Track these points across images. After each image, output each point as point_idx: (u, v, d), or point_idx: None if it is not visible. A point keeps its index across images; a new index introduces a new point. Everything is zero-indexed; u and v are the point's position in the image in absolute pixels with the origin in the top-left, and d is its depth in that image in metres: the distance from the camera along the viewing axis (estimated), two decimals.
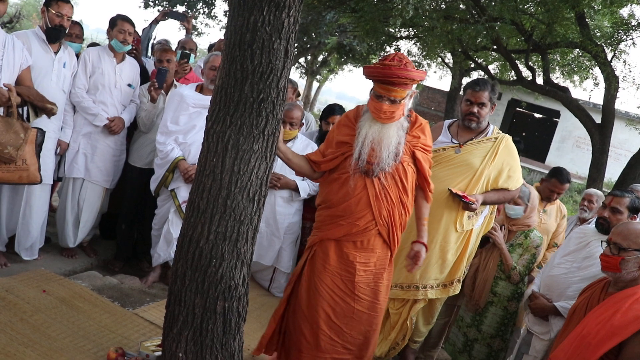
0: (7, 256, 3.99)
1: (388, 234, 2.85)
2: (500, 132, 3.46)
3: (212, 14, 17.36)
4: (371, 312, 2.91)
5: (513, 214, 3.61)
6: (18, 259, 4.02)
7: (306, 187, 4.23)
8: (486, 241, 3.62)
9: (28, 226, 3.95)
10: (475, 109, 3.35)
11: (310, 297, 2.89)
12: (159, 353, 2.82)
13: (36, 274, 3.72)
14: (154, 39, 5.71)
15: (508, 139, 3.41)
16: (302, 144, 4.18)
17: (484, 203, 3.34)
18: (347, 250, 2.84)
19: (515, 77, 9.94)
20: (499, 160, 3.33)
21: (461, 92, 17.41)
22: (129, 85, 4.32)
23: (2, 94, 3.23)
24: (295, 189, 4.20)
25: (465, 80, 17.05)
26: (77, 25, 4.41)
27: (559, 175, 4.41)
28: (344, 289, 2.86)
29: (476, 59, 11.86)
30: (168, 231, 4.05)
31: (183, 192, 3.98)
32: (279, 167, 3.97)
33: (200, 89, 4.11)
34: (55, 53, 3.86)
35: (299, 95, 5.60)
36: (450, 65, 15.92)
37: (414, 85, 2.83)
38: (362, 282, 2.86)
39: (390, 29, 11.28)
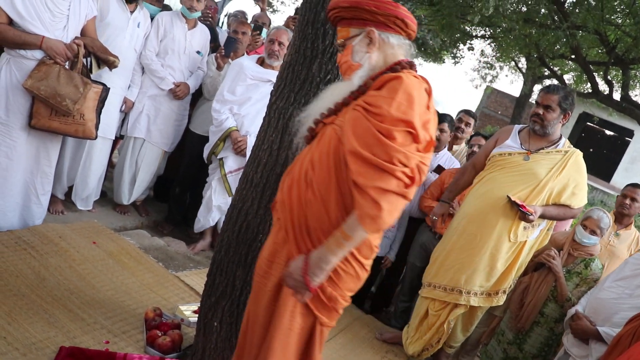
0: (65, 204, 4.13)
1: (280, 214, 1.98)
2: (572, 146, 3.30)
3: None
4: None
5: (587, 243, 3.34)
6: (74, 208, 4.16)
7: None
8: (541, 265, 3.43)
9: (86, 177, 4.07)
10: (541, 111, 3.21)
11: None
12: (194, 319, 2.85)
13: (89, 225, 3.83)
14: (225, 14, 5.79)
15: (579, 154, 3.25)
16: None
17: (542, 216, 3.20)
18: None
19: (590, 90, 9.52)
20: (566, 175, 3.18)
21: (531, 99, 16.91)
22: (198, 52, 4.36)
23: (72, 48, 3.30)
24: None
25: (537, 87, 16.55)
26: None
27: (633, 184, 4.24)
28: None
29: (551, 67, 11.44)
30: (209, 198, 4.10)
31: (230, 162, 4.00)
32: None
33: (262, 62, 4.10)
34: (131, 13, 3.94)
35: None
36: (524, 70, 15.44)
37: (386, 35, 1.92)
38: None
39: (467, 27, 11.00)
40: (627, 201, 4.09)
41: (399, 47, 1.94)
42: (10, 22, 3.12)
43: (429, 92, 1.85)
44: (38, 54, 3.21)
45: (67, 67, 3.31)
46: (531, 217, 3.09)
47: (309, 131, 2.00)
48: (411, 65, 1.93)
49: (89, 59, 3.46)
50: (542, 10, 8.89)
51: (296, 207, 1.89)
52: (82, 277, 3.16)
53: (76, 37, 3.38)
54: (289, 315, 1.91)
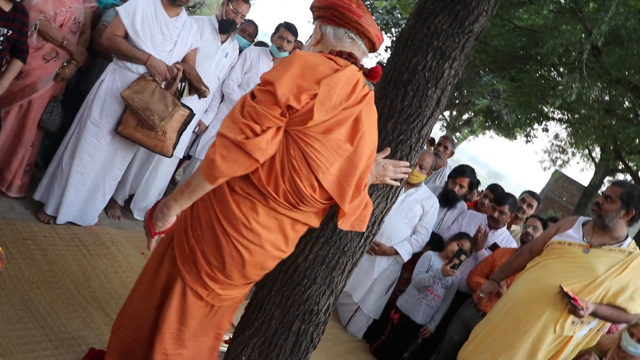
0: (123, 211, 4.26)
1: None
2: (638, 248, 3.16)
3: None
4: None
5: (634, 352, 3.12)
6: (130, 217, 4.29)
7: (409, 249, 4.10)
8: None
9: (148, 189, 4.21)
10: (601, 201, 3.12)
11: None
12: (224, 349, 2.85)
13: (141, 236, 3.93)
14: None
15: None
16: (423, 195, 4.09)
17: (594, 314, 3.05)
18: None
19: None
20: (626, 277, 3.03)
21: (600, 191, 16.41)
22: None
23: (172, 71, 3.53)
24: (394, 254, 4.10)
25: (608, 179, 16.10)
26: (253, 25, 4.70)
27: None
28: None
29: (627, 161, 11.10)
30: None
31: None
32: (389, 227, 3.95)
33: None
34: (222, 42, 4.12)
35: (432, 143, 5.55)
36: (597, 160, 15.05)
37: (328, 27, 1.99)
38: None
39: (545, 107, 10.87)
40: None
41: (337, 39, 1.95)
42: (125, 36, 3.40)
43: (335, 70, 1.80)
44: (141, 69, 3.46)
45: (163, 86, 3.52)
46: (582, 312, 2.95)
47: None
48: (340, 54, 1.91)
49: (183, 83, 3.68)
50: (626, 102, 8.72)
51: None
52: (124, 284, 3.23)
53: (177, 62, 3.60)
54: (157, 255, 2.08)
